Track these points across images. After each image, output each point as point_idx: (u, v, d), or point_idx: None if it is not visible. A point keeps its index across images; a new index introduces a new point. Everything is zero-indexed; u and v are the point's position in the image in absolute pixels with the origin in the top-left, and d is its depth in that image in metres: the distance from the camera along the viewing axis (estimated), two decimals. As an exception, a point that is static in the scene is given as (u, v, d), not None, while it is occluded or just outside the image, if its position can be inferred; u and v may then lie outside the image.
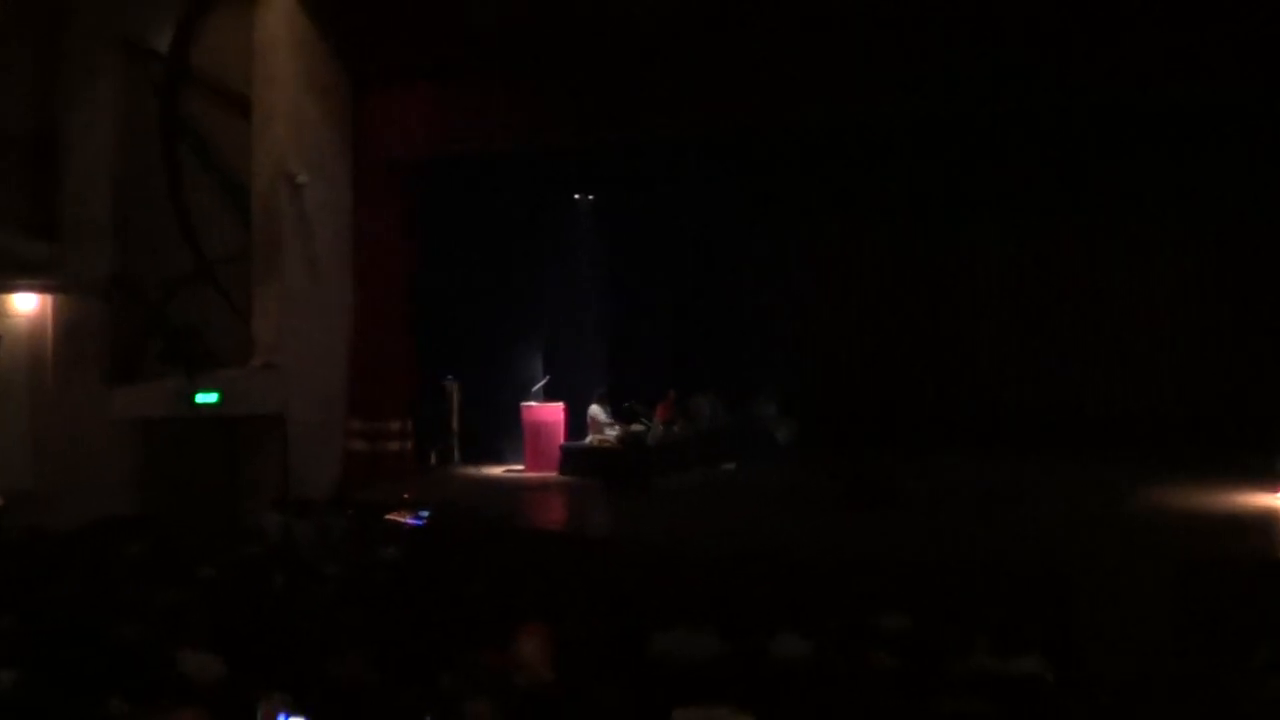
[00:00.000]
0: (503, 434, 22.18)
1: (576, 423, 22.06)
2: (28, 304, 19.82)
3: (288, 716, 7.56)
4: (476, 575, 13.51)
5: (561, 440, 21.82)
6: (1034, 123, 19.76)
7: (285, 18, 19.91)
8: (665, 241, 24.91)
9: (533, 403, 21.89)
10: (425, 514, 17.06)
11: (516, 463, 21.95)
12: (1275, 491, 17.25)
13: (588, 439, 21.85)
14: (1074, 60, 16.58)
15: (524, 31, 19.17)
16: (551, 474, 21.37)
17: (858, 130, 20.29)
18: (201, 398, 18.71)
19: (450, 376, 22.68)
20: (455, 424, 22.62)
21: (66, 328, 19.84)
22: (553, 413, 21.85)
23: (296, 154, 20.02)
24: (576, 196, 24.41)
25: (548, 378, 22.35)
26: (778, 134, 20.45)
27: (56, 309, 19.88)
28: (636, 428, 21.64)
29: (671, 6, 18.29)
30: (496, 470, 21.98)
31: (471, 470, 22.02)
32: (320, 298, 20.50)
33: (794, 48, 17.92)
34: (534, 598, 11.28)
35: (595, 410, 21.95)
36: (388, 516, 17.12)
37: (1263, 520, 16.28)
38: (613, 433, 21.62)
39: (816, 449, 22.64)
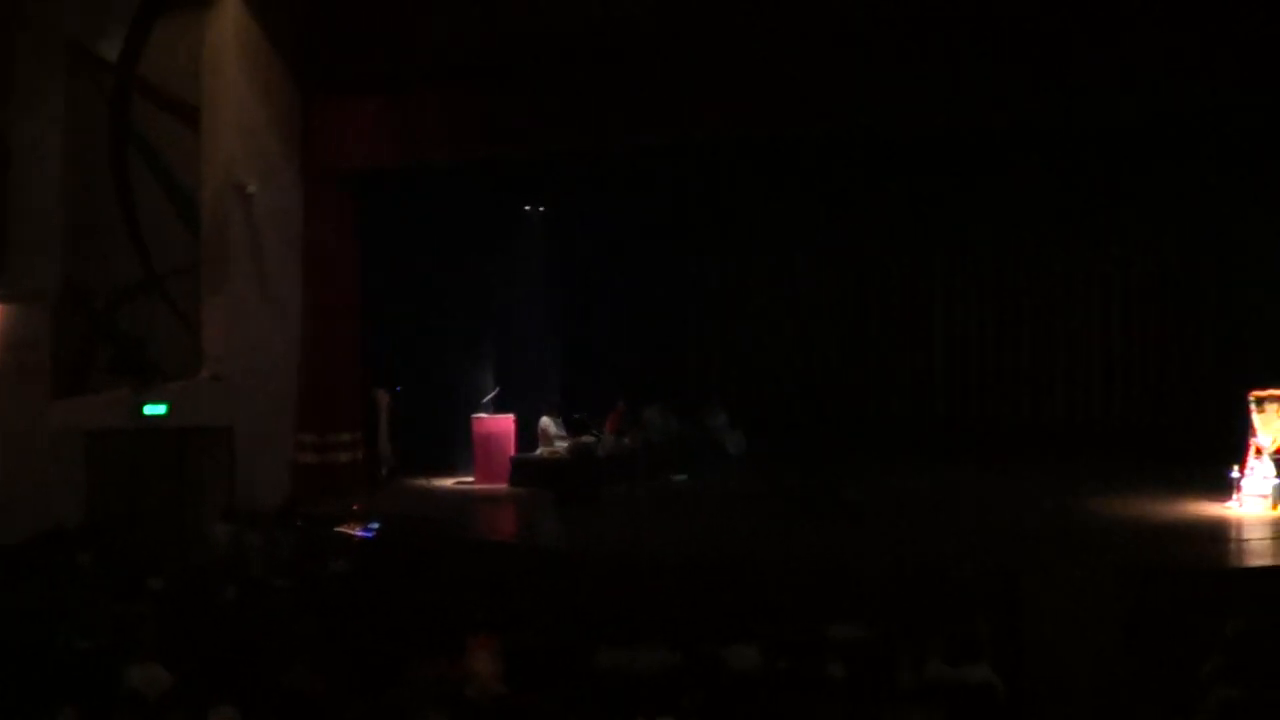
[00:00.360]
0: (453, 446, 22.09)
1: (527, 434, 22.03)
2: (-26, 314, 19.69)
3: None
4: (426, 587, 13.51)
5: (512, 452, 21.76)
6: (985, 140, 19.86)
7: (235, 27, 19.83)
8: (617, 253, 24.93)
9: (483, 414, 21.85)
10: (375, 526, 17.03)
11: (467, 474, 21.89)
12: (1226, 501, 17.42)
13: (538, 450, 21.82)
14: (1037, 78, 16.70)
15: (475, 43, 19.15)
16: (501, 486, 21.30)
17: (811, 143, 20.33)
18: (149, 409, 18.61)
19: (398, 388, 22.60)
20: (385, 435, 22.38)
21: (13, 338, 19.66)
22: (503, 424, 21.78)
23: (245, 163, 19.93)
24: (527, 208, 24.41)
25: (498, 389, 22.28)
26: (730, 147, 20.47)
27: (3, 319, 19.72)
28: (587, 439, 21.63)
29: (622, 21, 18.30)
30: (446, 482, 21.89)
31: (421, 482, 21.92)
32: (269, 308, 20.40)
33: (750, 63, 17.95)
34: (484, 610, 11.28)
35: (545, 422, 21.92)
36: (337, 528, 17.09)
37: (1213, 529, 16.44)
38: (563, 444, 21.61)
39: (767, 460, 22.68)
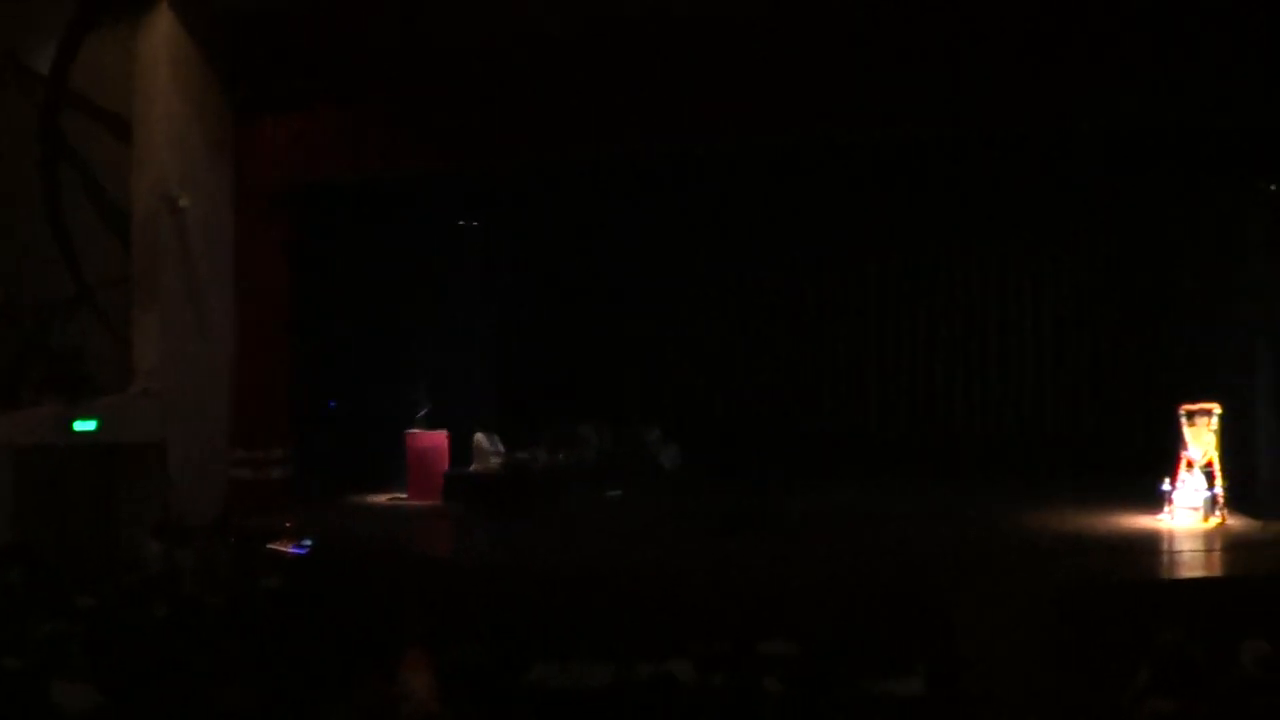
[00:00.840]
0: (387, 461, 21.98)
1: (462, 450, 21.95)
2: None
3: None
4: (360, 604, 13.44)
5: (445, 467, 21.68)
6: (905, 153, 19.94)
7: (167, 40, 19.67)
8: (553, 268, 24.95)
9: (416, 430, 21.76)
10: (308, 543, 16.93)
11: (401, 490, 21.79)
12: (1157, 514, 17.68)
13: (472, 466, 21.76)
14: (948, 91, 16.80)
15: (408, 58, 19.10)
16: (435, 502, 21.22)
17: (738, 157, 20.36)
18: (80, 425, 18.41)
19: (331, 404, 22.45)
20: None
21: (-60, 352, 19.49)
22: (436, 440, 21.71)
23: (177, 177, 19.76)
24: (462, 223, 24.35)
25: (431, 405, 22.19)
26: (656, 161, 20.45)
27: (-70, 333, 19.54)
28: (521, 455, 21.60)
29: (549, 38, 18.32)
30: (380, 498, 21.80)
31: (355, 498, 21.81)
32: (201, 323, 20.22)
33: (667, 80, 17.99)
34: (418, 627, 11.23)
35: (480, 438, 21.88)
36: (270, 545, 16.98)
37: (1144, 542, 16.64)
38: (497, 460, 21.56)
39: (702, 474, 22.73)
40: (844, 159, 20.21)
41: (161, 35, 19.68)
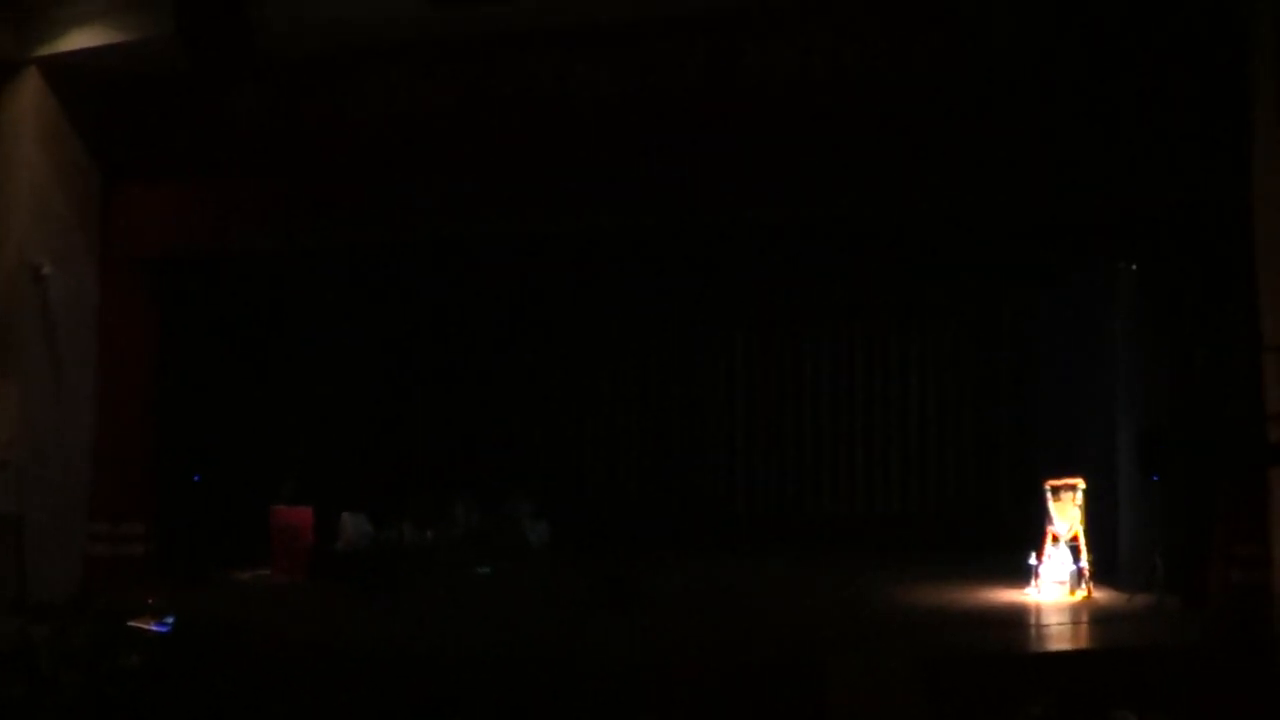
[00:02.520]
0: (252, 537, 21.60)
1: (328, 526, 21.65)
2: None
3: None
4: (222, 683, 13.20)
5: (311, 544, 21.36)
6: (774, 231, 20.10)
7: (33, 104, 19.39)
8: (422, 342, 24.81)
9: (281, 505, 21.45)
10: (170, 620, 16.57)
11: (265, 567, 21.42)
12: (1025, 588, 17.93)
13: (338, 543, 21.48)
14: (810, 177, 17.17)
15: (275, 132, 19.03)
16: (300, 579, 20.91)
17: (604, 237, 20.42)
18: (-69, 498, 17.99)
19: (196, 478, 22.06)
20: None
21: None
22: (301, 516, 21.41)
23: (40, 244, 19.45)
24: (329, 297, 24.14)
25: (297, 480, 21.90)
26: (515, 239, 20.44)
27: None
28: (388, 531, 21.38)
29: (414, 117, 18.40)
30: (244, 575, 21.42)
31: (219, 574, 21.41)
32: (62, 393, 19.84)
33: (508, 163, 18.21)
34: (281, 707, 11.07)
35: (346, 517, 21.61)
36: (130, 623, 16.60)
37: (1012, 615, 16.89)
38: (363, 537, 21.31)
39: (570, 551, 22.65)
40: (712, 237, 20.36)
41: (28, 101, 19.41)
